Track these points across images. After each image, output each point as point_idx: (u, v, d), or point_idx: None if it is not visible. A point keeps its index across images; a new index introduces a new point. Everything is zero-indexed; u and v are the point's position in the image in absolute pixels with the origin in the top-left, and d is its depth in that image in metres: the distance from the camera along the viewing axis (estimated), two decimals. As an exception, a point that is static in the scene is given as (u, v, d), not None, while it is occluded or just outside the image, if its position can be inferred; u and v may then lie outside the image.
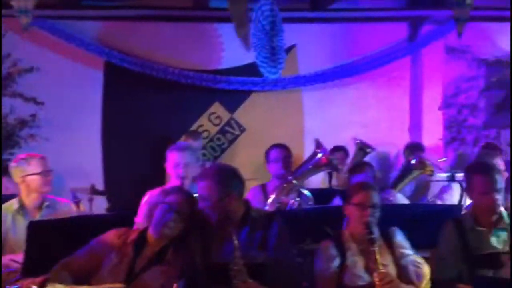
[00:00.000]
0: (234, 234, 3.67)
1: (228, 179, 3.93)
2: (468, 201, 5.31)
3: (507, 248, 3.96)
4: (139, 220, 4.73)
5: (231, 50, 8.61)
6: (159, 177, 7.13)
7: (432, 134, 9.46)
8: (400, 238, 4.09)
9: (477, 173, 4.10)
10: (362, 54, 9.35)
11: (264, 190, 5.71)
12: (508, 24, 9.19)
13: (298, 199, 5.47)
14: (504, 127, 9.51)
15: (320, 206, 5.40)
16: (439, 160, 8.42)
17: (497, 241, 4.01)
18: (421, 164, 6.00)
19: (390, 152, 9.37)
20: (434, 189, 7.13)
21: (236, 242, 3.63)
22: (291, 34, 8.69)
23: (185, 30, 9.04)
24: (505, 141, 9.48)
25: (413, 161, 6.13)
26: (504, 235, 4.00)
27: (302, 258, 4.66)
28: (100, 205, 7.12)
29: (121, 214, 5.07)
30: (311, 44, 9.23)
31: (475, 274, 3.96)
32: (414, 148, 8.33)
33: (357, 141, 7.93)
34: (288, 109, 9.31)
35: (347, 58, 9.33)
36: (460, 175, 7.13)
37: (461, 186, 5.90)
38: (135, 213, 4.88)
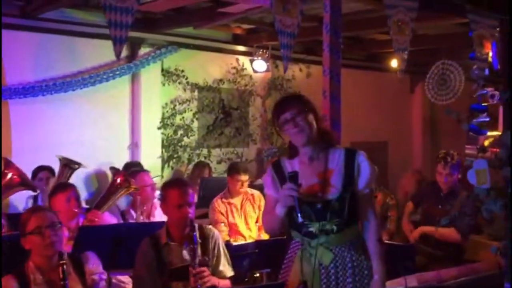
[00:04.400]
0: None
1: None
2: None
3: (196, 260, 2.78)
4: None
5: None
6: None
7: (151, 153, 6.33)
8: (93, 264, 2.65)
9: (172, 187, 2.97)
10: (79, 69, 5.83)
11: None
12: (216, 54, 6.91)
13: None
14: (214, 147, 6.92)
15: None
16: (154, 178, 5.32)
17: (188, 254, 2.85)
18: (126, 182, 4.03)
19: (107, 171, 5.99)
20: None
21: None
22: None
23: None
24: (216, 159, 6.88)
25: (118, 180, 4.05)
26: (192, 248, 2.81)
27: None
28: None
29: None
30: (20, 54, 5.46)
31: (170, 287, 2.82)
32: (133, 166, 5.49)
33: (60, 158, 4.72)
34: (-8, 124, 5.21)
35: (63, 72, 5.72)
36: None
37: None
38: None
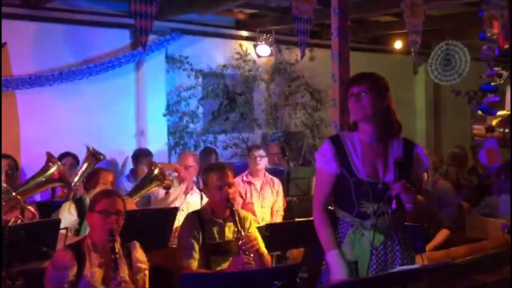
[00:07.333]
0: None
1: None
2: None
3: (234, 236, 3.00)
4: None
5: None
6: None
7: (158, 140, 6.34)
8: (139, 252, 2.83)
9: (212, 170, 3.12)
10: (84, 58, 5.84)
11: (-24, 207, 3.40)
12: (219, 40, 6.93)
13: (21, 216, 3.43)
14: (219, 133, 6.90)
15: (29, 223, 3.27)
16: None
17: (229, 231, 3.05)
18: (162, 176, 4.18)
19: (116, 159, 6.05)
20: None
21: None
22: (1, 31, 5.08)
23: None
24: (221, 144, 6.86)
25: (155, 172, 4.17)
26: (233, 225, 3.02)
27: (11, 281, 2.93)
28: None
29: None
30: (26, 44, 5.41)
31: (209, 260, 2.98)
32: (142, 154, 5.55)
33: (89, 148, 4.55)
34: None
35: (68, 61, 5.72)
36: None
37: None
38: None
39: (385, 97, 2.38)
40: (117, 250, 2.63)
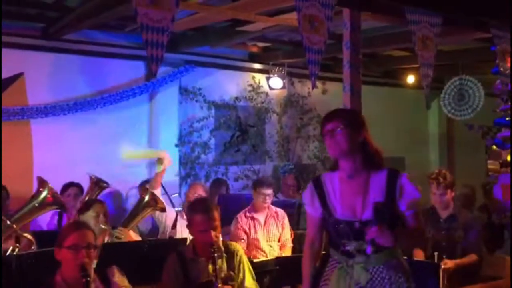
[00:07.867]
0: None
1: None
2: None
3: (221, 275, 2.86)
4: None
5: None
6: None
7: (169, 170, 6.12)
8: (118, 277, 2.70)
9: (197, 212, 3.00)
10: (99, 89, 5.91)
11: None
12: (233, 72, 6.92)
13: (17, 244, 3.25)
14: (231, 164, 6.90)
15: (33, 251, 3.12)
16: (172, 196, 5.82)
17: (213, 269, 2.86)
18: (154, 201, 4.09)
19: (125, 189, 6.05)
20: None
21: None
22: (19, 61, 5.29)
23: None
24: (232, 176, 6.87)
25: (146, 198, 4.09)
26: (219, 263, 2.88)
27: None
28: None
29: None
30: (42, 74, 5.59)
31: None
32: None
33: (91, 176, 4.78)
34: (15, 143, 5.37)
35: (83, 91, 5.80)
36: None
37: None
38: None
39: (360, 131, 2.36)
40: (91, 285, 2.50)
